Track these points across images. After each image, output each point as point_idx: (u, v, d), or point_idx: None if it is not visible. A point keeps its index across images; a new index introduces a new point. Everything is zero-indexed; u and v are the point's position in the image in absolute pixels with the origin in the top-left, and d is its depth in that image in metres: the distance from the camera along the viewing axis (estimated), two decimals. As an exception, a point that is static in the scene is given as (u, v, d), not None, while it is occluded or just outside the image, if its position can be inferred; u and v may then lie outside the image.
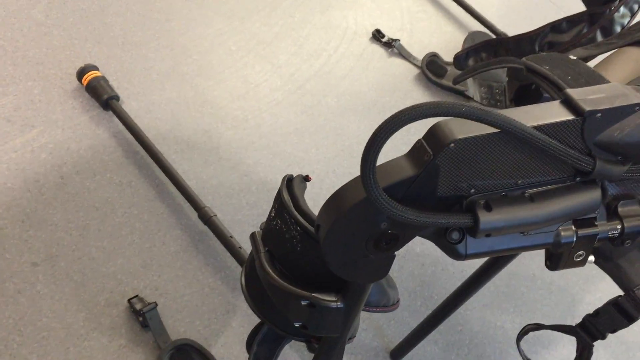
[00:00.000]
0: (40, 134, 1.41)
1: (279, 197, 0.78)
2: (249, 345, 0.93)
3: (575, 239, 0.69)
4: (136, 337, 1.19)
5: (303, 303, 0.72)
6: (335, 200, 0.63)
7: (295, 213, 0.75)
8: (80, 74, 1.50)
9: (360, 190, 0.60)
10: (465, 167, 0.60)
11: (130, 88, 1.58)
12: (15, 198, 1.30)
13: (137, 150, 1.45)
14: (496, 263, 1.12)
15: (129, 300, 1.21)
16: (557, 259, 0.71)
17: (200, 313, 1.26)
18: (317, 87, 1.76)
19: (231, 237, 1.32)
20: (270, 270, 0.76)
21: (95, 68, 1.52)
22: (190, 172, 1.46)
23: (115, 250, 1.29)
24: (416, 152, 0.60)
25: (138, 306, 1.19)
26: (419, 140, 0.60)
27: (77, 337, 1.15)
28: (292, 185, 0.80)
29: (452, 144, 0.57)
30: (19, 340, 1.12)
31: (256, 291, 0.84)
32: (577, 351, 0.90)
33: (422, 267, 1.47)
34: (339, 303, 0.72)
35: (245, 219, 1.42)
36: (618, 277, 0.82)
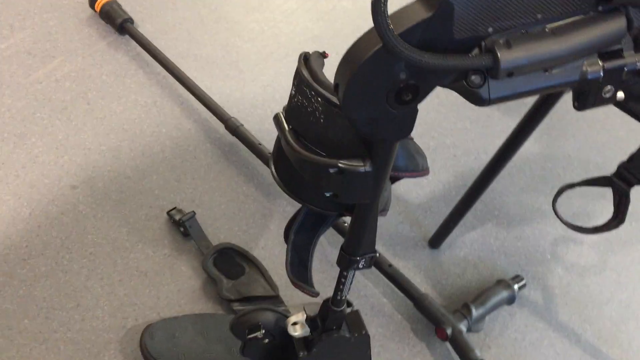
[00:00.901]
0: (62, 64, 1.42)
1: (297, 74, 0.78)
2: (287, 235, 0.95)
3: (602, 73, 0.66)
4: (179, 246, 1.22)
5: (332, 171, 0.72)
6: (351, 55, 0.62)
7: (315, 85, 0.74)
8: (92, 0, 1.50)
9: (375, 39, 0.59)
10: (482, 2, 0.58)
11: (143, 11, 1.57)
12: (46, 127, 1.33)
13: (158, 71, 1.46)
14: (522, 131, 1.09)
15: (168, 212, 1.24)
16: (584, 97, 0.70)
17: (237, 219, 1.28)
18: (332, -8, 1.72)
19: (260, 144, 1.33)
20: (297, 146, 0.76)
21: (107, -7, 1.52)
22: (213, 88, 1.46)
23: (149, 168, 1.31)
24: (428, -7, 0.58)
25: (177, 216, 1.22)
26: (431, -19, 0.58)
27: (122, 250, 1.20)
28: (310, 61, 0.79)
29: (466, -22, 0.55)
30: (68, 257, 1.17)
31: (286, 173, 0.85)
32: (614, 201, 0.89)
33: (454, 157, 1.46)
34: (367, 167, 0.72)
35: (272, 127, 1.40)
36: (651, 118, 0.80)
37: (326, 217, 0.93)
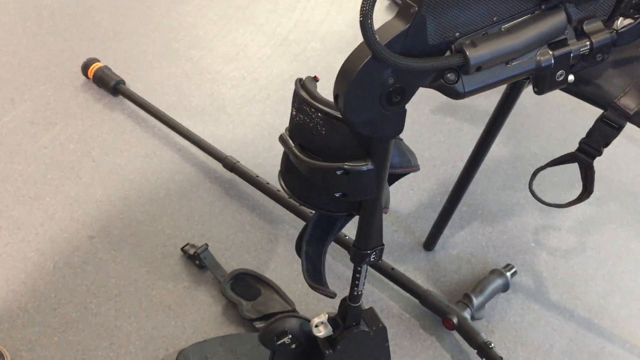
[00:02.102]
0: (64, 128, 1.53)
1: (296, 96, 0.89)
2: (298, 247, 1.05)
3: (553, 61, 0.80)
4: (196, 278, 1.31)
5: (339, 173, 0.83)
6: (346, 68, 0.75)
7: (314, 102, 0.86)
8: (85, 68, 1.62)
9: (365, 52, 0.71)
10: (447, 12, 0.71)
11: (131, 73, 1.70)
12: (57, 186, 1.42)
13: (153, 124, 1.58)
14: (488, 135, 1.22)
15: (182, 249, 1.33)
16: (542, 82, 0.83)
17: (246, 247, 1.38)
18: (300, 35, 1.87)
19: (257, 176, 1.45)
20: (305, 157, 0.87)
21: (97, 60, 1.64)
22: (206, 132, 1.58)
23: (158, 211, 1.41)
24: (403, 9, 0.71)
25: (191, 251, 1.32)
26: (403, -1, 0.72)
27: (145, 288, 1.28)
28: (305, 83, 0.91)
29: (432, -7, 0.69)
30: (95, 302, 1.25)
31: (295, 185, 0.95)
32: (581, 175, 1.02)
33: (434, 168, 1.60)
34: (368, 165, 0.83)
35: (265, 161, 1.54)
36: (600, 96, 0.94)
37: (333, 225, 1.04)
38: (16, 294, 1.24)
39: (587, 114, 1.00)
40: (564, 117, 1.82)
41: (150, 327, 1.23)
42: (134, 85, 1.67)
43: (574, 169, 1.05)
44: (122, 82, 1.63)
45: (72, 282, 1.27)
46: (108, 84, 1.60)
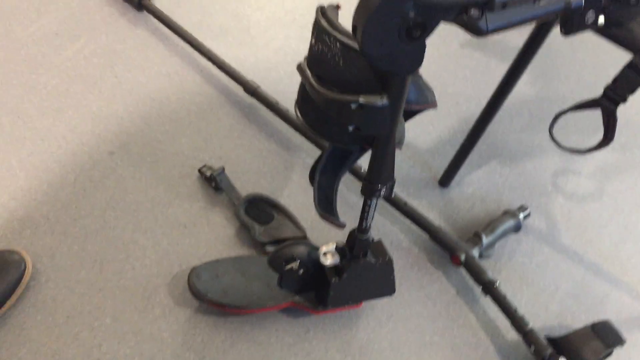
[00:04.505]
0: (88, 42, 1.53)
1: (317, 25, 0.88)
2: (312, 177, 1.06)
3: (583, 1, 0.77)
4: (212, 199, 1.34)
5: (353, 106, 0.83)
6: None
7: (334, 32, 0.84)
8: (110, -19, 1.61)
9: (386, -17, 0.69)
10: (475, -55, 0.68)
11: (157, -12, 1.68)
12: (80, 100, 1.44)
13: (176, 43, 1.57)
14: (517, 67, 1.18)
15: (199, 170, 1.36)
16: (570, 23, 0.80)
17: (262, 172, 1.40)
18: (331, -42, 1.81)
19: (278, 103, 1.44)
20: (321, 88, 0.87)
21: (122, -27, 1.62)
22: (229, 54, 1.57)
23: (178, 131, 1.43)
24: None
25: (208, 173, 1.34)
26: None
27: (161, 205, 1.31)
28: (326, 12, 0.89)
29: None
30: (114, 215, 1.29)
31: (311, 116, 0.95)
32: (603, 121, 1.00)
33: (456, 105, 1.57)
34: (384, 100, 0.83)
35: (287, 88, 1.54)
36: (630, 40, 0.90)
37: (346, 158, 1.04)
38: (39, 202, 1.28)
39: (624, 57, 0.96)
40: (597, 59, 1.76)
41: (166, 243, 1.27)
42: (158, 1, 1.65)
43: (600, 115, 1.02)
44: (147, -3, 1.61)
45: (92, 195, 1.31)
46: (133, -1, 1.59)
